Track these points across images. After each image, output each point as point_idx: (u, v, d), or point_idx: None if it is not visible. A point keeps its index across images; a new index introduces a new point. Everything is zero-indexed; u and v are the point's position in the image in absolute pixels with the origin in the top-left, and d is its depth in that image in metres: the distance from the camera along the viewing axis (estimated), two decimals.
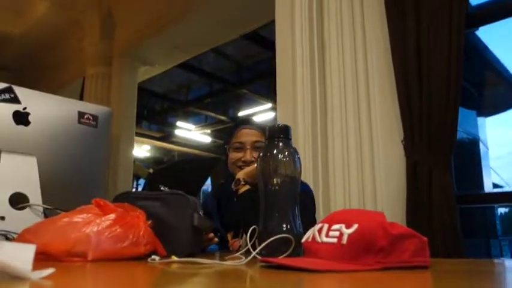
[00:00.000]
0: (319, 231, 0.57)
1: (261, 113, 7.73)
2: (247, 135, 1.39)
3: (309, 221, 1.05)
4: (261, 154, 0.84)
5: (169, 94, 8.22)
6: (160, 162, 11.26)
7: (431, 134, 1.79)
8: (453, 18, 1.79)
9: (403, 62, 1.92)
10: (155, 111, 8.94)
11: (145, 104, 8.13)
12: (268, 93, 7.27)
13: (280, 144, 0.83)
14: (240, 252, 0.76)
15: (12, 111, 1.15)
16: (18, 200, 1.08)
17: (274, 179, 0.81)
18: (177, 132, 9.24)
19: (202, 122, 9.28)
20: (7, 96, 1.17)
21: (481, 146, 4.99)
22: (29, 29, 5.15)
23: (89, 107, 1.34)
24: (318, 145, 2.05)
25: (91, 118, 1.32)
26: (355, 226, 0.52)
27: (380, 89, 2.01)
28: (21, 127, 1.16)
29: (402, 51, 1.92)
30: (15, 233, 0.99)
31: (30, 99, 1.20)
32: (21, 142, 1.16)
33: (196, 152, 10.16)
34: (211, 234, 1.04)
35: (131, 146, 4.41)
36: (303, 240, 0.61)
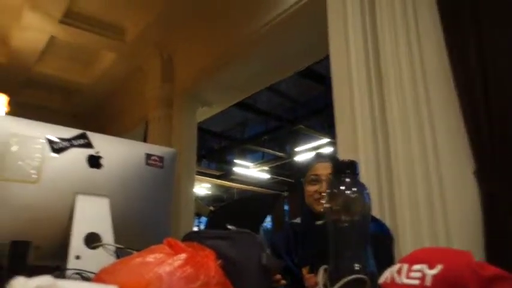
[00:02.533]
0: (399, 271, 0.53)
1: (318, 149, 7.66)
2: (322, 168, 1.43)
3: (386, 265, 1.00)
4: (328, 190, 0.82)
5: (226, 133, 8.43)
6: (220, 200, 11.41)
7: (506, 162, 1.66)
8: None
9: (466, 87, 1.83)
10: (213, 150, 9.17)
11: (203, 143, 8.37)
12: (324, 128, 7.23)
13: (348, 179, 0.81)
14: None
15: (86, 156, 1.22)
16: (92, 240, 1.13)
17: (343, 216, 0.78)
18: (236, 169, 9.37)
19: (259, 159, 9.35)
20: (81, 141, 1.25)
21: None
22: (96, 78, 5.57)
23: (155, 149, 1.40)
24: (382, 180, 1.97)
25: (157, 159, 1.38)
26: (439, 267, 0.49)
27: (444, 118, 1.91)
28: (94, 170, 1.23)
29: (464, 74, 1.83)
30: (89, 272, 1.03)
31: (102, 143, 1.27)
32: (94, 184, 1.22)
33: (255, 188, 10.20)
34: (279, 276, 1.02)
35: (192, 185, 4.51)
36: (381, 281, 0.58)
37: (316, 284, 1.09)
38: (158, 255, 0.65)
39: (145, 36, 4.63)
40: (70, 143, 1.21)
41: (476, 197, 1.77)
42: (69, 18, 4.30)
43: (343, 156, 2.18)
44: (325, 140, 7.41)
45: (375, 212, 1.90)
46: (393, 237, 1.38)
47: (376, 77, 2.13)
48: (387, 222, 1.90)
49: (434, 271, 0.48)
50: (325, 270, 0.77)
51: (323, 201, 1.33)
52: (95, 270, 1.06)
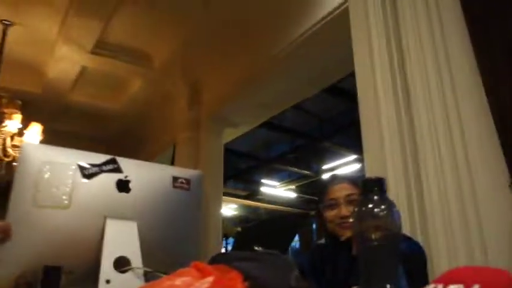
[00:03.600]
0: None
1: (345, 165, 7.57)
2: (338, 191, 1.38)
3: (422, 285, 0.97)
4: (355, 209, 0.80)
5: (252, 153, 8.44)
6: (247, 220, 11.36)
7: None
8: None
9: (496, 97, 1.77)
10: (240, 170, 9.19)
11: (229, 164, 8.40)
12: (351, 144, 7.14)
13: (376, 197, 0.79)
14: None
15: (115, 180, 1.25)
16: (121, 263, 1.14)
17: (373, 235, 0.76)
18: (262, 189, 9.35)
19: (286, 178, 9.30)
20: (111, 166, 1.28)
21: None
22: (124, 105, 5.73)
23: (182, 172, 1.41)
24: (413, 196, 1.92)
25: (184, 182, 1.39)
26: (477, 287, 0.46)
27: (476, 131, 1.86)
28: (123, 194, 1.25)
29: (494, 85, 1.79)
30: None
31: (130, 168, 1.30)
32: (123, 208, 1.24)
33: (281, 208, 10.12)
34: None
35: (219, 206, 4.52)
36: None
37: None
38: (186, 279, 0.64)
39: (171, 63, 4.76)
40: (100, 168, 1.24)
41: None
42: (99, 48, 4.47)
43: (371, 173, 2.14)
44: (352, 157, 7.31)
45: (406, 230, 1.84)
46: (426, 256, 1.32)
47: (402, 91, 2.10)
48: (419, 240, 1.83)
49: None
50: None
51: (345, 224, 1.30)
52: None
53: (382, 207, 0.78)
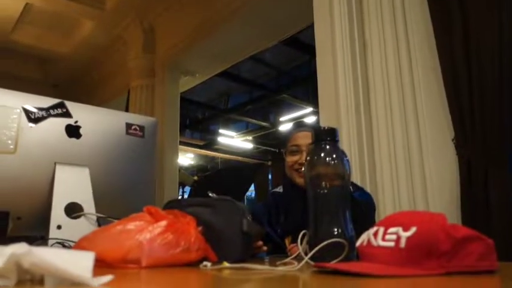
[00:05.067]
0: (375, 234, 0.54)
1: (302, 118, 7.67)
2: (302, 138, 1.40)
3: None
4: (308, 158, 0.82)
5: (210, 102, 8.36)
6: (204, 169, 11.44)
7: (484, 130, 1.70)
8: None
9: (450, 58, 1.84)
10: (197, 119, 9.11)
11: (187, 113, 8.30)
12: (308, 97, 7.22)
13: (328, 146, 0.81)
14: (291, 258, 0.75)
15: (65, 125, 1.20)
16: (73, 210, 1.12)
17: (323, 183, 0.79)
18: (220, 139, 9.37)
19: (243, 128, 9.35)
20: (59, 111, 1.22)
21: None
22: (76, 48, 5.41)
23: (136, 118, 1.38)
24: (364, 147, 2.00)
25: (138, 129, 1.36)
26: (414, 229, 0.50)
27: (426, 86, 1.93)
28: (74, 140, 1.21)
29: (449, 47, 1.84)
30: (71, 241, 1.03)
31: (80, 113, 1.24)
32: (74, 154, 1.20)
33: (239, 158, 10.24)
34: (260, 242, 1.03)
35: (176, 155, 4.51)
36: (358, 244, 0.59)
37: (298, 252, 1.12)
38: (139, 223, 0.65)
39: (125, 5, 4.49)
40: (47, 112, 1.18)
41: (454, 163, 1.82)
42: None
43: (325, 124, 2.19)
44: (309, 109, 7.42)
45: (357, 178, 1.93)
46: (375, 205, 1.41)
47: (359, 46, 2.12)
48: (368, 187, 1.94)
49: (408, 233, 0.50)
50: (304, 236, 0.78)
51: (302, 171, 1.34)
52: (77, 239, 1.07)
53: (333, 156, 0.81)
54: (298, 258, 0.72)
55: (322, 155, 0.81)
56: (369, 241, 0.55)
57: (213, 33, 3.86)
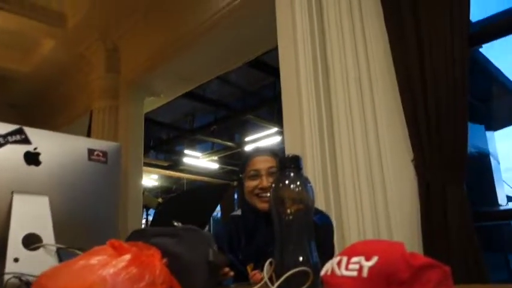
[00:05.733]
0: (339, 263, 0.56)
1: (267, 138, 7.74)
2: (261, 163, 1.40)
3: (330, 255, 1.04)
4: (273, 185, 0.83)
5: (175, 123, 8.30)
6: (169, 190, 11.25)
7: (441, 149, 1.77)
8: (455, 34, 1.80)
9: (407, 81, 1.92)
10: (162, 140, 9.00)
11: (151, 134, 8.19)
12: (273, 117, 7.30)
13: (292, 174, 0.83)
14: (257, 286, 0.75)
15: (23, 152, 1.16)
16: (31, 241, 1.08)
17: (288, 209, 0.80)
18: (185, 160, 9.28)
19: (209, 149, 9.31)
20: (18, 137, 1.19)
21: (492, 160, 4.95)
22: (36, 67, 5.27)
23: (98, 144, 1.35)
24: (328, 171, 2.03)
25: (101, 154, 1.33)
26: (375, 258, 0.51)
27: (387, 111, 2.00)
28: (32, 167, 1.17)
29: (405, 71, 1.93)
30: (30, 275, 0.98)
31: (40, 139, 1.21)
32: (32, 182, 1.16)
33: (204, 179, 10.15)
34: (227, 269, 1.02)
35: (140, 177, 4.42)
36: (322, 273, 0.60)
37: (262, 279, 1.11)
38: (101, 257, 0.63)
39: (87, 23, 4.43)
40: (5, 139, 1.14)
41: (415, 183, 1.88)
42: (3, 2, 4.02)
43: (290, 148, 2.22)
44: (274, 130, 7.49)
45: (321, 205, 1.96)
46: (334, 228, 1.42)
47: (322, 70, 2.18)
48: (333, 214, 1.96)
49: (370, 263, 0.51)
50: (270, 264, 0.78)
51: (264, 195, 1.35)
52: (36, 272, 1.02)
53: (298, 183, 0.82)
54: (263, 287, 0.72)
55: (286, 182, 0.82)
56: (332, 270, 0.56)
57: (178, 53, 3.86)
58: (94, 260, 0.63)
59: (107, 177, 1.36)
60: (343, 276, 0.54)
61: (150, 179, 10.55)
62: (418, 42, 1.91)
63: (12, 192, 1.11)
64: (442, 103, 1.79)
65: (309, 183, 0.83)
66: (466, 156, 1.75)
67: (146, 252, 0.68)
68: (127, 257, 0.64)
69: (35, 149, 1.19)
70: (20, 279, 0.98)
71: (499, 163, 5.32)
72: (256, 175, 1.38)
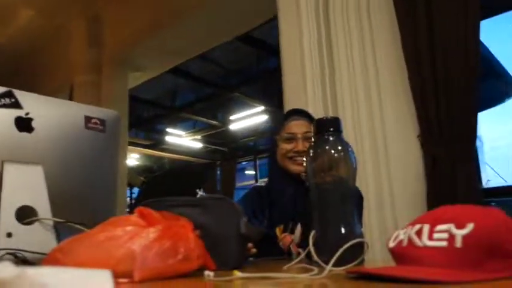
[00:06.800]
0: (418, 233, 0.47)
1: (253, 116, 7.63)
2: (297, 126, 1.35)
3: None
4: (310, 151, 0.74)
5: (157, 100, 8.07)
6: (151, 170, 11.07)
7: (452, 123, 1.72)
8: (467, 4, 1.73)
9: (415, 57, 1.85)
10: (142, 118, 8.77)
11: (131, 111, 7.95)
12: (259, 95, 7.17)
13: (331, 138, 0.74)
14: (296, 261, 0.67)
15: (14, 118, 1.04)
16: (25, 214, 0.97)
17: (328, 177, 0.72)
18: (167, 138, 9.09)
19: (191, 127, 9.13)
20: (7, 101, 1.06)
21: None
22: (13, 37, 4.99)
23: (96, 111, 1.23)
24: None
25: (99, 122, 1.22)
26: (470, 226, 0.43)
27: (391, 83, 1.94)
28: (25, 134, 1.05)
29: (414, 47, 1.85)
30: (25, 251, 0.89)
31: (32, 104, 1.09)
32: (25, 151, 1.05)
33: (187, 158, 10.01)
34: (250, 244, 0.94)
35: (125, 155, 4.28)
36: (392, 244, 0.52)
37: (291, 242, 1.04)
38: (128, 228, 0.53)
39: None
40: None
41: (421, 164, 1.83)
42: None
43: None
44: (260, 108, 7.38)
45: None
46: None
47: (326, 43, 2.09)
48: None
49: (464, 231, 0.43)
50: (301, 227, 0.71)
51: (298, 158, 1.29)
52: (32, 248, 0.92)
53: (339, 148, 0.74)
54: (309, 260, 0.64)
55: (327, 147, 0.73)
56: (410, 241, 0.48)
57: (165, 28, 3.71)
58: (120, 231, 0.53)
59: (104, 147, 1.25)
60: (426, 248, 0.46)
61: (131, 158, 10.33)
62: (427, 13, 1.83)
63: (2, 162, 1.00)
64: (453, 76, 1.73)
65: (350, 147, 0.74)
66: (476, 129, 1.70)
67: (177, 223, 0.58)
68: (158, 227, 0.54)
69: (27, 114, 1.08)
70: (15, 256, 0.88)
71: (482, 144, 5.38)
72: (292, 138, 1.34)
